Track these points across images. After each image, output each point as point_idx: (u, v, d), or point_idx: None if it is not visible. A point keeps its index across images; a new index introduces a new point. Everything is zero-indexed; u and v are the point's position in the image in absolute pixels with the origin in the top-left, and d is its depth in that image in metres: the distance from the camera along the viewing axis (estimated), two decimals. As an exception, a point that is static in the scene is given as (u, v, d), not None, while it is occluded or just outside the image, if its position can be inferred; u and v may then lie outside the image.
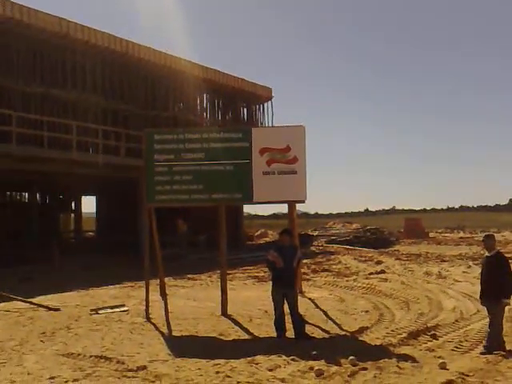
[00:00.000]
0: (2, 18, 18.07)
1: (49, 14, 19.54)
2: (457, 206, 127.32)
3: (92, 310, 9.63)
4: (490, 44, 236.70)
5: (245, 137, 9.46)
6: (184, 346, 7.13)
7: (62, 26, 19.93)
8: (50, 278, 14.91)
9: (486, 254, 6.78)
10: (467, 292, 11.15)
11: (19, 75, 19.26)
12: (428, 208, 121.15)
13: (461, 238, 33.84)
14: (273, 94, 30.71)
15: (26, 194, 29.29)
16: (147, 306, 9.30)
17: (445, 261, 18.32)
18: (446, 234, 38.56)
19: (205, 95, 27.89)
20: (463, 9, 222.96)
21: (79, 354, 6.65)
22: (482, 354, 6.43)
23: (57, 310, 9.82)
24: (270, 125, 29.48)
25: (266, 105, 30.72)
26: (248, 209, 43.19)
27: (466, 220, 59.91)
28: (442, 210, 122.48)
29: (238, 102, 29.70)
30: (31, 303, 10.28)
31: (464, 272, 14.97)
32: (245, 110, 30.54)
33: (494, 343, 6.50)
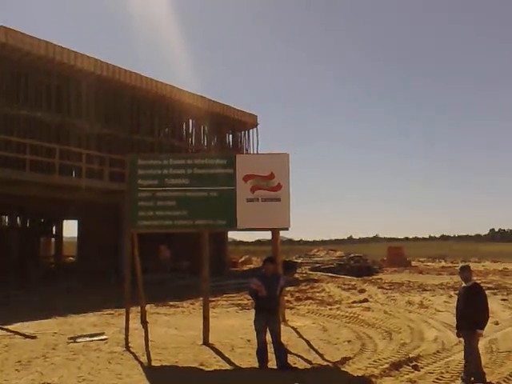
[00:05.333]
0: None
1: (35, 37, 19.59)
2: (438, 236, 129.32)
3: (70, 339, 9.41)
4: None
5: (229, 163, 9.45)
6: (163, 377, 6.97)
7: (48, 50, 19.98)
8: (27, 303, 14.56)
9: (463, 284, 6.81)
10: (448, 322, 11.09)
11: (2, 97, 19.17)
12: (410, 237, 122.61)
13: (442, 267, 33.86)
14: (258, 122, 30.99)
15: (6, 217, 28.84)
16: (127, 334, 9.11)
17: (426, 290, 18.33)
18: (428, 263, 38.67)
19: (190, 121, 28.00)
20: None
21: (55, 385, 6.45)
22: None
23: (33, 337, 9.56)
24: (255, 152, 29.66)
25: (251, 132, 30.95)
26: (233, 235, 43.08)
27: (448, 249, 60.35)
28: (424, 238, 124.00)
29: (224, 128, 29.85)
30: (7, 330, 10.01)
31: (445, 302, 14.96)
32: (230, 136, 30.70)
33: (472, 375, 6.46)
